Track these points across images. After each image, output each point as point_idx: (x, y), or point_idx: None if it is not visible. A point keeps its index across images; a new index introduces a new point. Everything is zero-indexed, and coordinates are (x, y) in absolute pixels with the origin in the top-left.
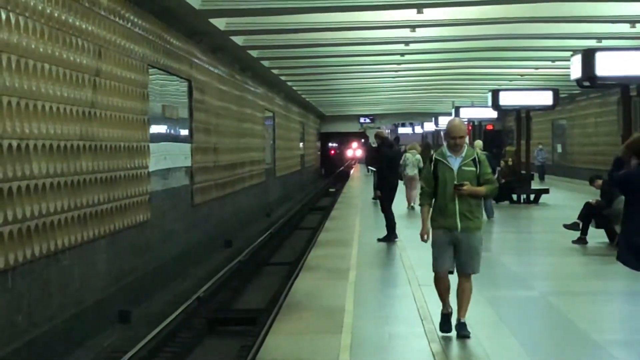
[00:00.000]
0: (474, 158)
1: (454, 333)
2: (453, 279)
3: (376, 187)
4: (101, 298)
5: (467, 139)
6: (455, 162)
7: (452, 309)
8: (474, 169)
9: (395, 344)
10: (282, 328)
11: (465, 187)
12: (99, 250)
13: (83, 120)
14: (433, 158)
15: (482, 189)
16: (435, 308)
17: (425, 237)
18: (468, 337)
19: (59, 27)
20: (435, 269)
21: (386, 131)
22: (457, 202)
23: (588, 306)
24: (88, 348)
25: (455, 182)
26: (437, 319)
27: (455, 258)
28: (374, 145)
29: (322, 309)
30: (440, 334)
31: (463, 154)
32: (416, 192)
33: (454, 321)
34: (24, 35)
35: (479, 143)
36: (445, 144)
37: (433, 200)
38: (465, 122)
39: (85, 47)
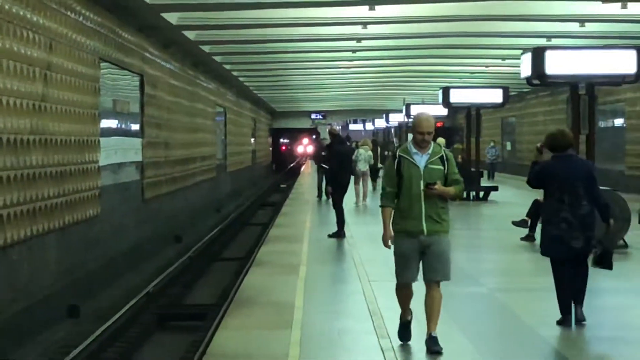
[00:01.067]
0: (442, 156)
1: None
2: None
3: (327, 183)
4: (50, 293)
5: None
6: (421, 160)
7: (412, 316)
8: (441, 167)
9: (344, 340)
10: (232, 323)
11: (437, 187)
12: (48, 245)
13: (33, 113)
14: (397, 155)
15: (451, 190)
16: (385, 302)
17: (390, 242)
18: (440, 352)
19: (10, 19)
20: (399, 280)
21: (337, 128)
22: (423, 203)
23: (535, 302)
24: (37, 343)
25: (427, 181)
26: (386, 314)
27: (423, 265)
28: (324, 142)
29: (272, 305)
30: (399, 342)
31: (429, 151)
32: (367, 189)
33: (413, 330)
34: None
35: (441, 141)
36: (409, 139)
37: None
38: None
39: (36, 40)
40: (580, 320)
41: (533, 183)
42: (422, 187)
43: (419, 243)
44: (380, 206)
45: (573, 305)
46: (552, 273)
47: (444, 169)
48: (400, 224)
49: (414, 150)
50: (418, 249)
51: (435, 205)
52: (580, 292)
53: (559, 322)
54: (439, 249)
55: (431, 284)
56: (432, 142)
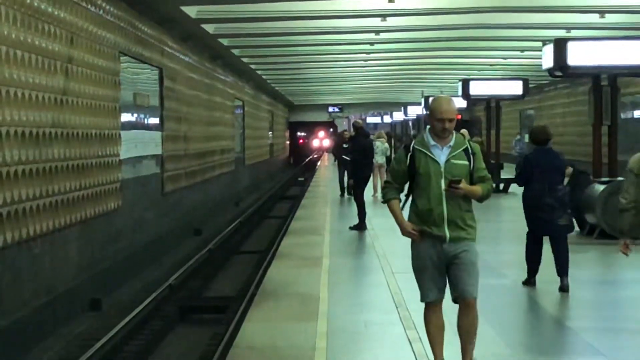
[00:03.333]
0: (466, 148)
1: None
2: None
3: (349, 176)
4: (72, 286)
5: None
6: (441, 154)
7: None
8: (466, 162)
9: (371, 331)
10: (257, 315)
11: (461, 186)
12: (70, 238)
13: (55, 107)
14: (411, 147)
15: (477, 189)
16: (410, 294)
17: (413, 230)
18: None
19: (31, 13)
20: (423, 298)
21: (360, 121)
22: (445, 205)
23: (558, 294)
24: (59, 336)
25: (450, 178)
26: (412, 306)
27: (449, 279)
28: (346, 134)
29: (297, 297)
30: None
31: (451, 143)
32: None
33: None
34: None
35: (465, 132)
36: (426, 129)
37: (403, 198)
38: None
39: (58, 34)
40: (566, 290)
41: (520, 180)
42: (443, 186)
43: (442, 251)
44: (384, 201)
45: (560, 277)
46: (527, 246)
47: (470, 164)
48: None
49: (433, 142)
50: (440, 258)
51: (459, 208)
52: (565, 264)
53: (524, 283)
54: (468, 259)
55: (464, 302)
56: (454, 133)
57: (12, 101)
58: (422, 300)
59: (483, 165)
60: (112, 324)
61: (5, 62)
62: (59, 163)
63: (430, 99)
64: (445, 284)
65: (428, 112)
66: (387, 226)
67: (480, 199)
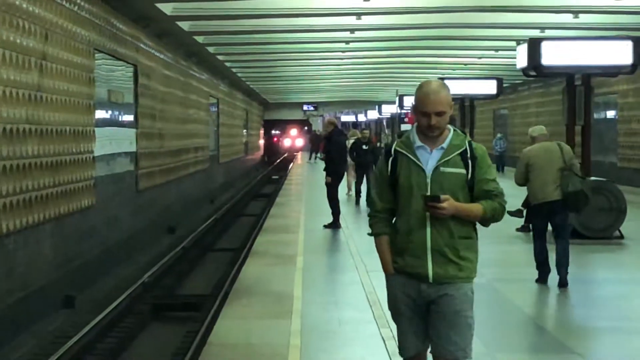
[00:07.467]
0: (465, 150)
1: None
2: None
3: (326, 174)
4: (46, 283)
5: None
6: (429, 158)
7: None
8: (462, 170)
9: (345, 329)
10: (231, 313)
11: (444, 204)
12: (44, 235)
13: (29, 103)
14: (392, 150)
15: (476, 208)
16: (384, 293)
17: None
18: None
19: (6, 9)
20: (401, 353)
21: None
22: (429, 229)
23: (533, 293)
24: (33, 333)
25: (427, 194)
26: (386, 304)
27: (429, 331)
28: (318, 133)
29: (271, 295)
30: None
31: (445, 144)
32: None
33: None
34: None
35: None
36: (414, 126)
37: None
38: (409, 110)
39: (32, 30)
40: None
41: None
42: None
43: (421, 292)
44: (371, 234)
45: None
46: None
47: (467, 172)
48: (396, 261)
49: (419, 142)
50: (420, 299)
51: (450, 232)
52: None
53: None
54: (450, 307)
55: None
56: (451, 129)
57: None
58: (401, 355)
59: (491, 175)
60: (86, 321)
61: None
62: (33, 160)
63: (407, 103)
64: (426, 334)
65: (413, 105)
66: (361, 224)
67: (484, 220)
